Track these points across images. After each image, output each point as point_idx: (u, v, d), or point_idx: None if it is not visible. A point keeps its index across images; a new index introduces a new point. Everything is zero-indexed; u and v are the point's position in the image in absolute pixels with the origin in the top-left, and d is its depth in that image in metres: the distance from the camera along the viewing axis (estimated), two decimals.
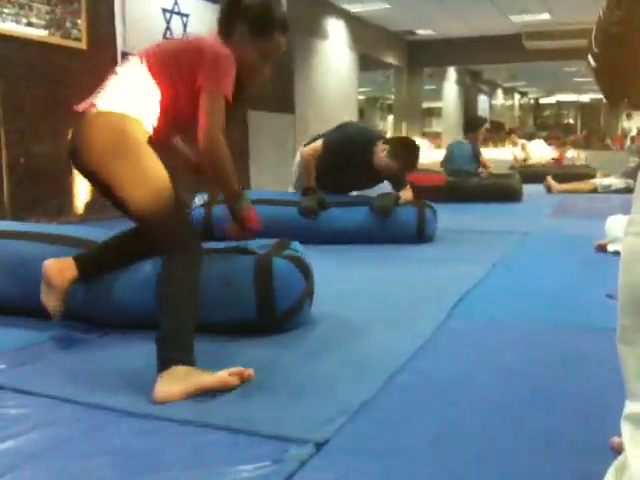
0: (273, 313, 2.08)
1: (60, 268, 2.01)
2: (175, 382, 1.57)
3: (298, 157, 4.26)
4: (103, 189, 1.90)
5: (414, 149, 4.03)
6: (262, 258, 2.09)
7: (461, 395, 1.63)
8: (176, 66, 1.93)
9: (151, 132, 1.91)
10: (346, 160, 3.96)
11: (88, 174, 1.90)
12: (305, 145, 4.18)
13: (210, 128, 1.86)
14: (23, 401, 1.58)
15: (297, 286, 2.13)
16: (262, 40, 2.07)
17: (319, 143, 3.99)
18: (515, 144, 10.69)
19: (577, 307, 2.50)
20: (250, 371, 1.65)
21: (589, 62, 1.16)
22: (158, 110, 1.91)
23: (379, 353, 1.95)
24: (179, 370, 1.59)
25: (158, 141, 1.93)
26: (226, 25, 2.07)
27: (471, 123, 7.43)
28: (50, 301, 1.99)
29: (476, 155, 7.11)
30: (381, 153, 3.93)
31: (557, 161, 9.64)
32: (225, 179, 1.98)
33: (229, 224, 2.11)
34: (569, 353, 1.96)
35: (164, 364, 1.60)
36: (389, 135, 4.00)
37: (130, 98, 1.88)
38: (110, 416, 1.49)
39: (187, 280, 1.76)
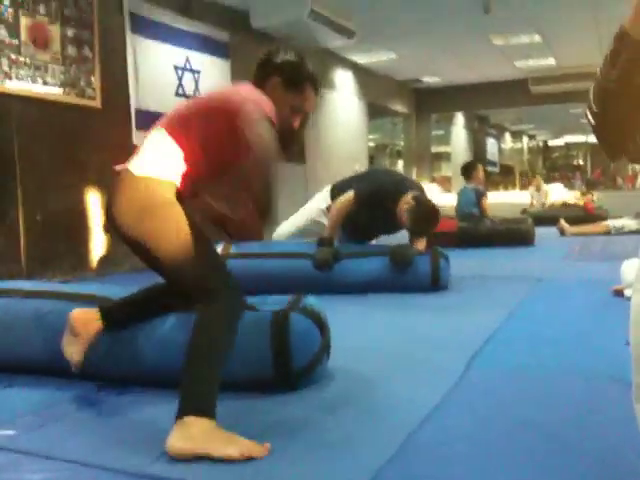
0: (289, 371, 2.07)
1: (86, 318, 2.03)
2: (188, 439, 1.54)
3: (318, 204, 4.31)
4: (137, 250, 1.93)
5: (431, 219, 4.02)
6: (278, 314, 2.09)
7: (482, 453, 1.60)
8: (205, 117, 1.98)
9: (180, 189, 1.95)
10: (373, 207, 4.00)
11: (123, 236, 1.93)
12: (332, 192, 4.21)
13: (260, 138, 1.85)
14: (44, 466, 1.56)
15: (314, 342, 2.12)
16: (294, 93, 2.13)
17: (351, 195, 4.01)
18: (539, 188, 10.65)
19: (596, 355, 2.47)
20: (266, 445, 1.59)
21: (588, 120, 1.18)
22: (185, 169, 1.95)
23: (397, 408, 1.93)
24: (196, 424, 1.56)
25: (186, 197, 1.97)
26: (260, 76, 2.14)
27: (466, 168, 7.49)
28: (72, 352, 2.00)
29: (478, 199, 7.13)
30: (404, 205, 3.94)
31: (586, 208, 9.45)
32: (261, 185, 1.95)
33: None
34: (589, 404, 1.93)
35: (182, 412, 1.58)
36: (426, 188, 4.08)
37: (159, 161, 1.93)
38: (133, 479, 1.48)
39: (220, 330, 1.74)
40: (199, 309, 1.78)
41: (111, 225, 1.95)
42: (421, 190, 4.21)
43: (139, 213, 1.86)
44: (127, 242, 1.92)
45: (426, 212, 4.00)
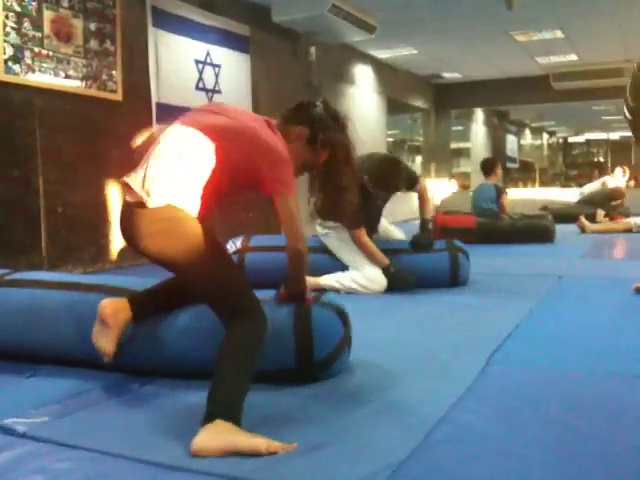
0: (311, 361, 2.07)
1: (116, 308, 2.05)
2: (214, 437, 1.56)
3: None
4: (169, 268, 1.97)
5: (389, 169, 3.83)
6: (301, 305, 2.10)
7: (505, 449, 1.59)
8: (232, 150, 1.97)
9: (201, 207, 1.97)
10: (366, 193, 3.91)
11: (150, 257, 1.95)
12: None
13: (297, 231, 1.95)
14: (66, 455, 1.58)
15: (336, 333, 2.13)
16: (312, 150, 2.15)
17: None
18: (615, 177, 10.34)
19: (618, 354, 2.45)
20: (293, 444, 1.59)
21: (625, 115, 1.17)
22: (208, 182, 1.95)
23: (418, 403, 1.93)
24: (222, 426, 1.58)
25: (204, 216, 1.99)
26: (292, 118, 2.16)
27: (486, 164, 7.42)
28: (103, 342, 2.02)
29: (498, 195, 7.08)
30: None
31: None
32: (301, 275, 2.07)
33: (282, 291, 2.16)
34: (612, 403, 1.91)
35: (210, 415, 1.60)
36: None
37: (177, 183, 1.92)
38: (154, 471, 1.49)
39: (254, 346, 1.81)
40: (233, 324, 1.83)
41: (133, 246, 1.98)
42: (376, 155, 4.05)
43: (165, 235, 1.88)
44: (156, 262, 1.94)
45: (381, 166, 3.83)
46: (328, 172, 2.20)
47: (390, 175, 3.81)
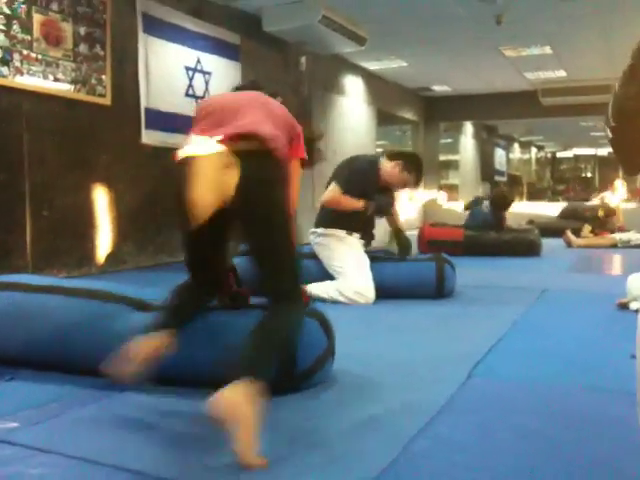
0: (292, 374, 2.06)
1: (146, 352, 1.93)
2: (234, 397, 1.55)
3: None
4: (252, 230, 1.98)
5: (421, 161, 4.29)
6: None
7: (482, 462, 1.59)
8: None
9: None
10: (361, 190, 3.99)
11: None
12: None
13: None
14: (42, 460, 1.56)
15: (319, 346, 2.12)
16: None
17: (335, 186, 4.01)
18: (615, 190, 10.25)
19: (599, 368, 2.45)
20: (265, 461, 1.54)
21: (606, 134, 1.18)
22: None
23: (398, 415, 1.92)
24: (248, 389, 1.58)
25: None
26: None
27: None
28: (124, 374, 1.92)
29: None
30: (393, 169, 4.07)
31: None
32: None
33: None
34: (591, 417, 1.92)
35: (240, 376, 1.60)
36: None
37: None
38: (128, 477, 1.47)
39: (291, 329, 1.92)
40: (282, 304, 1.92)
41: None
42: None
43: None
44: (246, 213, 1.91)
45: (415, 159, 4.26)
46: None
47: (420, 164, 4.24)
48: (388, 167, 4.08)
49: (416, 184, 4.28)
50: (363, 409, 1.97)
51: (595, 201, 9.89)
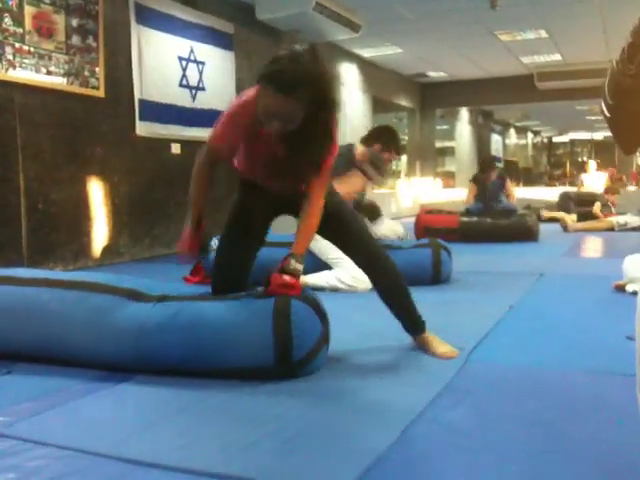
0: (290, 360, 2.07)
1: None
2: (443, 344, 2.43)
3: None
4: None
5: (394, 131, 4.32)
6: (280, 301, 2.09)
7: (480, 446, 1.59)
8: None
9: None
10: (346, 170, 3.98)
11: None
12: None
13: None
14: (39, 452, 1.57)
15: (315, 332, 2.12)
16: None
17: (338, 185, 3.98)
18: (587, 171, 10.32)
19: (597, 351, 2.46)
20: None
21: (603, 112, 1.17)
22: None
23: (395, 400, 1.93)
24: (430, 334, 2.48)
25: None
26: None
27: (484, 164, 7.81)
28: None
29: (503, 184, 7.64)
30: (369, 154, 4.08)
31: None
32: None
33: (275, 274, 2.12)
34: (589, 400, 1.93)
35: (420, 330, 2.50)
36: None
37: None
38: (124, 467, 1.48)
39: (400, 273, 2.52)
40: (384, 260, 2.47)
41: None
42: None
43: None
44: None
45: (391, 134, 4.23)
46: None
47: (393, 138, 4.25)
48: (364, 152, 4.09)
49: (398, 154, 4.33)
50: (360, 394, 1.98)
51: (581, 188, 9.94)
